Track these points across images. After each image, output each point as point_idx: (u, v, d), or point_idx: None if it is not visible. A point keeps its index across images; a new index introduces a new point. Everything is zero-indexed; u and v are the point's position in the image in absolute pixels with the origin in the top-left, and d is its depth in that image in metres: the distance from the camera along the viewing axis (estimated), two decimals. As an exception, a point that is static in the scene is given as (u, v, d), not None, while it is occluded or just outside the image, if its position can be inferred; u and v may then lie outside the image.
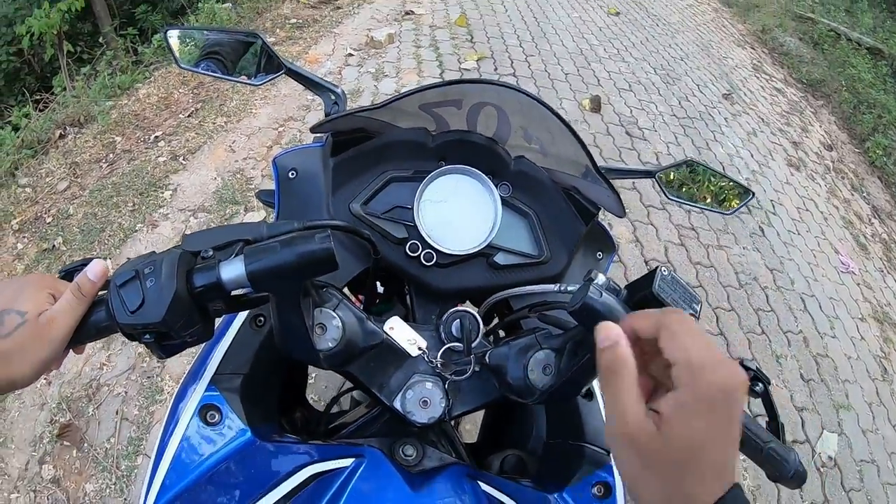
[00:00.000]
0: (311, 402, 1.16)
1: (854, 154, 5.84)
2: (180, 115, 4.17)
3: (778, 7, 9.26)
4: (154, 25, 9.24)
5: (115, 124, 4.07)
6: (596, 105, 4.80)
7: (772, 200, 4.39)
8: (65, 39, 7.33)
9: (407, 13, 6.04)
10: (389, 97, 0.96)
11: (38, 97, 5.37)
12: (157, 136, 3.93)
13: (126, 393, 2.43)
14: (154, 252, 0.66)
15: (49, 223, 3.29)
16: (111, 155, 3.80)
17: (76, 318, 0.64)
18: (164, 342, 0.65)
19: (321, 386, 2.42)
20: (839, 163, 5.48)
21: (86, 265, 0.67)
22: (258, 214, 3.24)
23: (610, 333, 0.52)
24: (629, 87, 5.37)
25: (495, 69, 5.12)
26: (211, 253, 0.66)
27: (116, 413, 2.37)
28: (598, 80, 5.32)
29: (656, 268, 0.70)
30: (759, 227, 4.05)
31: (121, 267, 0.64)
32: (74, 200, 3.44)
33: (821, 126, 6.04)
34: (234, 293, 0.66)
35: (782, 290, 3.61)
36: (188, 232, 3.05)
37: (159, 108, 4.31)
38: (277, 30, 5.58)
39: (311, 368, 1.14)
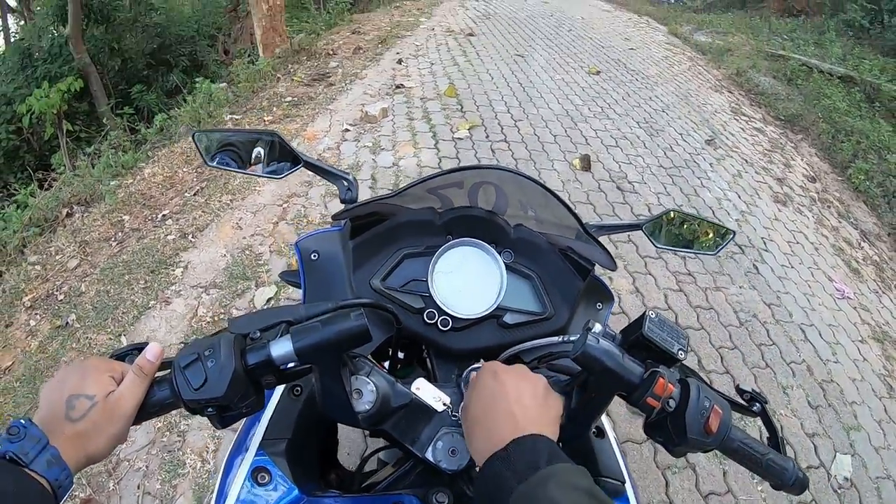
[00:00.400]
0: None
1: (837, 182, 6.08)
2: (186, 194, 4.34)
3: (750, 49, 9.67)
4: (149, 105, 9.58)
5: (122, 203, 4.23)
6: (586, 164, 5.07)
7: (763, 238, 4.59)
8: (64, 118, 7.65)
9: (397, 87, 6.39)
10: (399, 188, 1.08)
11: (39, 175, 5.56)
12: (164, 215, 4.07)
13: (147, 467, 2.45)
14: (207, 336, 0.75)
15: (61, 300, 3.39)
16: (120, 233, 3.93)
17: (140, 397, 0.72)
18: (223, 414, 0.74)
19: (344, 453, 2.46)
20: (824, 193, 5.70)
21: (140, 348, 0.77)
22: (269, 290, 3.35)
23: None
24: (616, 143, 5.66)
25: (487, 136, 5.40)
26: (259, 334, 0.76)
27: (138, 488, 2.39)
28: (586, 139, 5.62)
29: (644, 313, 0.82)
30: (754, 265, 4.24)
31: (182, 350, 0.73)
32: (86, 278, 3.54)
33: (802, 159, 6.30)
34: (282, 368, 0.76)
35: (782, 324, 3.77)
36: (202, 309, 3.25)
37: (165, 186, 4.49)
38: (274, 108, 5.82)
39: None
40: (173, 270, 3.53)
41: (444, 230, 1.10)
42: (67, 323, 3.23)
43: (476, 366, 0.94)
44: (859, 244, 5.07)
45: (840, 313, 4.10)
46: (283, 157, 1.22)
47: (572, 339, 0.85)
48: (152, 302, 3.30)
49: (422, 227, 1.11)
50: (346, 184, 1.21)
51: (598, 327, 0.80)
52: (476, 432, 0.73)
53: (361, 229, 1.11)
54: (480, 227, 1.10)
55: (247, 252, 3.68)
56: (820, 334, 3.81)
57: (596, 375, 0.79)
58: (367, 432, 1.33)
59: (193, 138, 1.22)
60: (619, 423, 2.83)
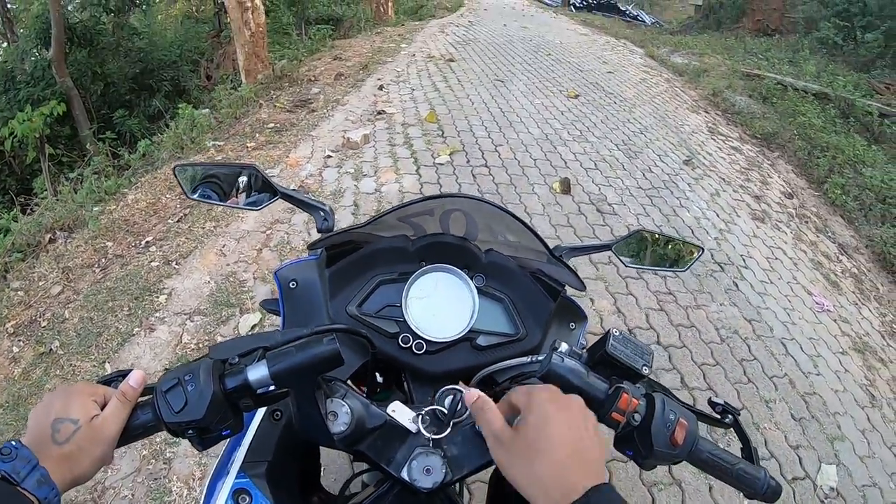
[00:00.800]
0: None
1: (814, 197, 6.17)
2: (169, 220, 4.36)
3: (725, 69, 9.84)
4: (132, 130, 9.57)
5: (106, 229, 4.24)
6: (566, 187, 5.13)
7: (742, 255, 4.65)
8: (46, 142, 7.64)
9: (379, 113, 6.46)
10: (371, 217, 1.12)
11: (20, 199, 5.54)
12: (147, 241, 4.09)
13: (133, 495, 2.45)
14: (188, 362, 0.78)
15: (45, 327, 3.38)
16: (103, 260, 3.94)
17: (123, 420, 0.76)
18: (204, 436, 0.76)
19: (331, 479, 2.46)
20: (801, 208, 5.79)
21: (124, 374, 0.80)
22: (254, 317, 3.37)
23: (472, 394, 0.79)
24: (595, 165, 5.73)
25: (467, 161, 5.46)
26: (237, 360, 0.79)
27: None
28: (566, 163, 5.69)
29: (608, 331, 0.85)
30: (733, 282, 4.29)
31: (163, 376, 0.76)
32: (69, 305, 3.54)
33: (779, 176, 6.40)
34: (259, 391, 0.79)
35: (763, 339, 3.81)
36: (186, 336, 3.26)
37: (148, 213, 4.49)
38: (257, 134, 5.86)
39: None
40: (157, 297, 3.54)
41: (417, 257, 1.13)
42: (51, 350, 3.22)
43: (451, 387, 0.96)
44: (837, 257, 5.14)
45: (820, 326, 4.15)
46: (262, 188, 1.25)
47: (540, 358, 0.88)
48: (136, 329, 3.30)
49: (395, 254, 1.13)
50: (322, 214, 1.24)
51: (564, 346, 0.83)
52: (540, 468, 0.68)
53: (337, 258, 1.13)
54: (452, 252, 1.13)
55: (231, 279, 3.69)
56: (801, 348, 3.86)
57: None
58: (352, 457, 1.34)
59: (174, 172, 1.25)
60: (605, 442, 2.84)
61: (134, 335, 3.27)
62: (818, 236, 5.39)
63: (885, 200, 6.04)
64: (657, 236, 1.39)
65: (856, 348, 4.07)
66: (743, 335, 3.80)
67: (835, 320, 4.29)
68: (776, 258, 4.79)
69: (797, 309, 4.24)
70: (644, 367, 0.84)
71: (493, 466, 1.09)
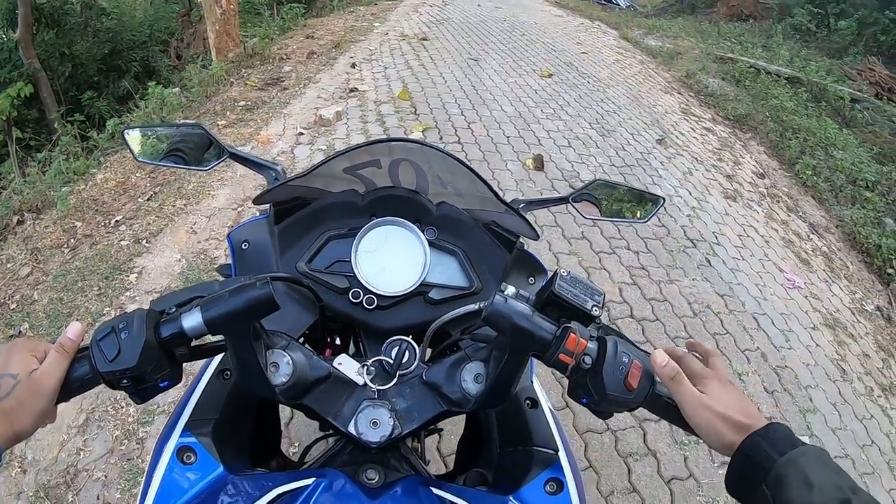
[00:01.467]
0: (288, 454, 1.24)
1: (786, 178, 6.20)
2: (139, 199, 4.26)
3: (699, 52, 9.87)
4: (101, 112, 9.32)
5: (75, 209, 4.15)
6: (539, 163, 5.09)
7: (714, 232, 4.65)
8: (13, 125, 7.45)
9: (351, 90, 6.34)
10: (314, 165, 1.08)
11: None
12: (117, 221, 4.00)
13: (106, 477, 2.39)
14: (125, 313, 0.77)
15: (13, 309, 3.30)
16: (72, 240, 3.86)
17: (62, 373, 0.74)
18: (139, 386, 0.76)
19: (296, 444, 2.45)
20: (773, 188, 5.81)
21: None
22: None
23: (661, 357, 0.77)
24: (568, 143, 5.69)
25: (440, 138, 5.39)
26: (174, 309, 0.78)
27: (98, 498, 2.33)
28: (539, 140, 5.64)
29: (556, 271, 0.82)
30: (706, 258, 4.29)
31: (98, 326, 0.76)
32: (38, 286, 3.46)
33: (751, 157, 6.42)
34: (195, 342, 0.79)
35: (735, 314, 3.82)
36: None
37: (117, 192, 4.39)
38: (228, 112, 5.74)
39: (283, 425, 1.26)
40: (128, 276, 3.46)
41: (367, 210, 1.11)
42: (20, 332, 3.13)
43: (398, 338, 0.95)
44: (808, 236, 5.17)
45: (792, 302, 4.17)
46: (211, 148, 1.24)
47: (486, 304, 0.83)
48: (107, 308, 3.22)
49: (345, 209, 1.11)
50: (272, 173, 1.23)
51: (511, 290, 0.79)
52: (730, 408, 0.74)
53: (286, 214, 1.11)
54: (403, 206, 1.11)
55: (202, 256, 3.62)
56: (773, 322, 3.87)
57: (508, 336, 0.78)
58: (319, 427, 1.31)
59: (123, 135, 1.23)
60: (579, 413, 2.83)
61: (104, 315, 3.17)
62: (789, 215, 5.41)
63: (856, 182, 6.12)
64: (616, 186, 1.35)
65: (826, 324, 4.10)
66: (715, 310, 3.80)
67: (806, 297, 4.31)
68: (748, 236, 4.80)
69: (769, 285, 4.25)
70: (594, 308, 0.80)
71: (463, 431, 1.15)
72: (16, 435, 0.71)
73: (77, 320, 3.02)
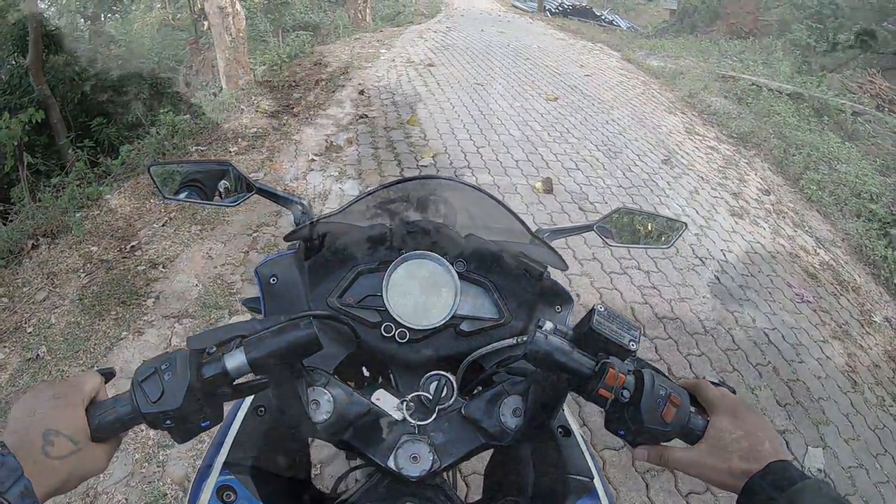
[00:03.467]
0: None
1: (791, 193, 6.29)
2: (154, 225, 4.33)
3: (701, 71, 9.98)
4: (110, 138, 9.44)
5: (90, 234, 4.21)
6: (548, 186, 5.18)
7: (722, 250, 4.74)
8: (24, 150, 7.54)
9: (361, 117, 6.45)
10: (343, 205, 1.10)
11: None
12: (133, 246, 4.05)
13: (126, 500, 2.41)
14: (166, 352, 0.76)
15: (30, 333, 3.34)
16: (88, 265, 3.90)
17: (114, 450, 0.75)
18: (182, 427, 0.75)
19: (328, 476, 2.45)
20: (778, 204, 5.90)
21: (104, 374, 0.80)
22: (243, 317, 3.28)
23: (640, 453, 0.82)
24: (576, 165, 5.79)
25: (450, 163, 5.49)
26: (215, 349, 0.77)
27: None
28: (547, 163, 5.74)
29: (593, 307, 0.80)
30: (715, 276, 4.37)
31: (140, 366, 0.74)
32: (55, 310, 3.50)
33: (756, 174, 6.52)
34: (237, 381, 0.77)
35: (745, 329, 3.89)
36: (175, 339, 3.22)
37: (132, 218, 4.46)
38: (239, 139, 5.83)
39: (314, 458, 1.20)
40: (145, 301, 3.52)
41: (396, 245, 1.13)
42: (38, 355, 3.19)
43: (436, 373, 0.96)
44: (815, 251, 5.25)
45: (801, 316, 4.24)
46: (238, 185, 1.24)
47: (524, 338, 0.88)
48: (124, 333, 3.28)
49: (374, 244, 1.13)
50: (299, 208, 1.23)
51: (548, 325, 0.80)
52: (732, 452, 0.75)
53: (315, 250, 1.13)
54: (432, 239, 1.13)
55: (218, 281, 3.68)
56: (783, 337, 3.94)
57: (547, 371, 0.81)
58: (345, 454, 1.33)
59: (150, 172, 1.21)
60: (597, 432, 2.88)
61: (122, 339, 3.24)
62: (795, 230, 5.49)
63: (860, 195, 6.19)
64: (638, 213, 1.37)
65: (836, 336, 4.17)
66: (726, 326, 3.87)
67: (815, 311, 4.38)
68: (755, 252, 4.88)
69: (777, 300, 4.32)
70: (631, 343, 0.79)
71: (489, 457, 1.12)
72: (58, 491, 0.68)
73: (94, 345, 3.16)
